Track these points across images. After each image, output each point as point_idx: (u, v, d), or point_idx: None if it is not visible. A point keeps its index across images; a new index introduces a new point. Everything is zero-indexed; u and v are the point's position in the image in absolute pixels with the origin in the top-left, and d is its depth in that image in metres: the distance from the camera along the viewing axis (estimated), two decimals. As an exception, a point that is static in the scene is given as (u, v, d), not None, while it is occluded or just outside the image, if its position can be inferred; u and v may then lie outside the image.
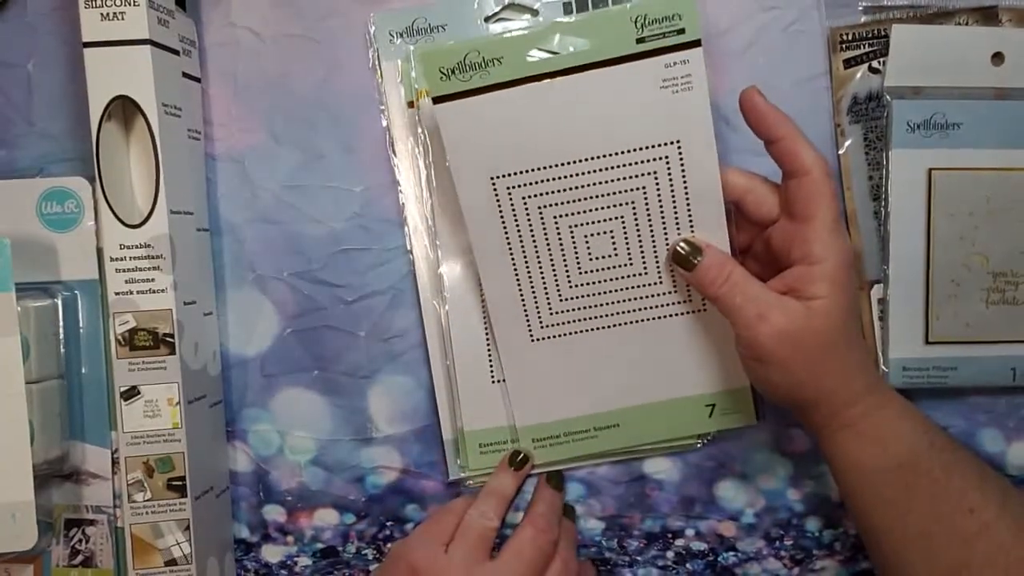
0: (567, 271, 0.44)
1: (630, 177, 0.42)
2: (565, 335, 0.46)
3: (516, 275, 0.45)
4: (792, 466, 0.49)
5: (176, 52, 0.45)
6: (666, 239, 0.43)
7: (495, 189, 0.43)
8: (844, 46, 0.46)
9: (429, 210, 0.46)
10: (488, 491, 0.46)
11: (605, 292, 0.45)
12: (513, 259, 0.44)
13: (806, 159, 0.39)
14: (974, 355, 0.46)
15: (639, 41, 0.41)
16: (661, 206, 0.43)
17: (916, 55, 0.45)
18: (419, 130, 0.46)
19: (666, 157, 0.42)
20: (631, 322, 0.45)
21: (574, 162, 0.42)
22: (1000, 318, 0.46)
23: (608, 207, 0.43)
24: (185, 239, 0.45)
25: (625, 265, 0.44)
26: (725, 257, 0.41)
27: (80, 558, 0.48)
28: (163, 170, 0.43)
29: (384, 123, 0.47)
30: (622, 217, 0.43)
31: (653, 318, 0.45)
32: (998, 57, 0.45)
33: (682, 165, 0.42)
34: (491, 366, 0.47)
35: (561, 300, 0.45)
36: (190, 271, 0.45)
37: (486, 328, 0.46)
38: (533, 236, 0.44)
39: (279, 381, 0.49)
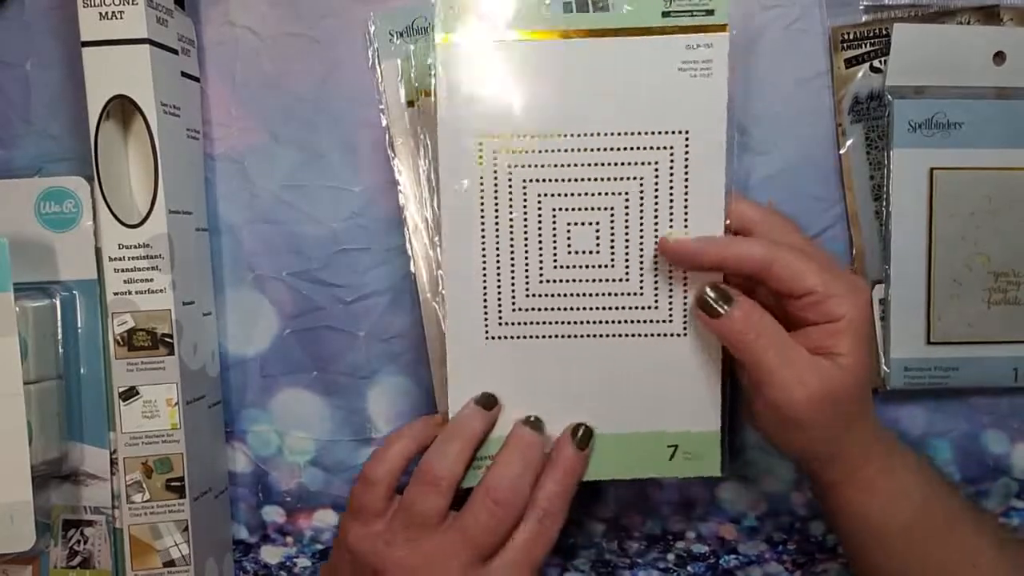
0: (541, 262, 0.40)
1: (629, 164, 0.40)
2: (525, 337, 0.41)
3: (483, 256, 0.40)
4: (795, 469, 0.49)
5: (175, 51, 0.45)
6: (655, 245, 0.40)
7: (480, 151, 0.40)
8: (845, 45, 0.46)
9: (429, 210, 0.46)
10: (450, 433, 0.41)
11: (578, 295, 0.41)
12: (483, 237, 0.40)
13: (807, 280, 0.37)
14: (976, 355, 0.46)
15: (664, 15, 0.39)
16: (656, 204, 0.40)
17: (917, 54, 0.45)
18: (419, 130, 0.46)
19: (671, 148, 0.39)
20: (601, 335, 0.41)
21: (573, 135, 0.40)
22: (1002, 318, 0.46)
23: (600, 194, 0.40)
24: (184, 239, 0.45)
25: (606, 266, 0.41)
26: (757, 308, 0.38)
27: (78, 559, 0.48)
28: (162, 170, 0.43)
29: (384, 123, 0.47)
30: (612, 209, 0.40)
31: (626, 334, 0.41)
32: (1000, 56, 0.44)
33: (686, 161, 0.40)
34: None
35: (528, 295, 0.41)
36: (189, 271, 0.45)
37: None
38: (511, 213, 0.40)
39: (278, 381, 0.49)
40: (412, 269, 0.47)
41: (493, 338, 0.41)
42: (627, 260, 0.40)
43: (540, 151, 0.40)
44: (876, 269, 0.46)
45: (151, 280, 0.43)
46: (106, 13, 0.42)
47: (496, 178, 0.40)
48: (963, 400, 0.48)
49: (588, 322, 0.41)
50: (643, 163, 0.40)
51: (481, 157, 0.40)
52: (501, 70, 0.39)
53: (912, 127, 0.45)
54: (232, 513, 0.50)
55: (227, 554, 0.49)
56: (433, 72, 0.40)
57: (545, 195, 0.40)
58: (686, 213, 0.40)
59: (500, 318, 0.41)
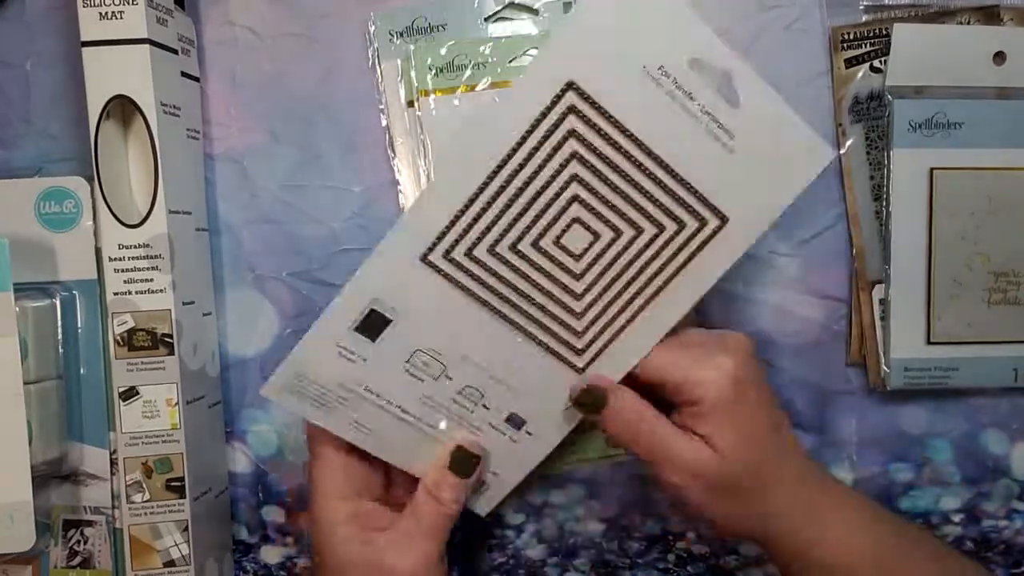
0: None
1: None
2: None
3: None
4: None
5: (175, 51, 0.45)
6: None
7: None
8: (845, 45, 0.46)
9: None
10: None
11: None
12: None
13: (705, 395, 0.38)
14: (976, 355, 0.46)
15: None
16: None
17: (917, 54, 0.45)
18: (419, 130, 0.46)
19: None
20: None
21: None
22: (1002, 318, 0.46)
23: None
24: (184, 239, 0.45)
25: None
26: (634, 402, 0.39)
27: (78, 559, 0.48)
28: (162, 170, 0.43)
29: (384, 123, 0.47)
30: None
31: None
32: (1000, 56, 0.44)
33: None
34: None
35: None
36: (189, 271, 0.45)
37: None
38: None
39: (278, 382, 0.49)
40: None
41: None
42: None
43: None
44: (876, 269, 0.46)
45: (151, 280, 0.43)
46: (106, 13, 0.42)
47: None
48: (963, 400, 0.48)
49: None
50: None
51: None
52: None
53: (912, 127, 0.45)
54: (232, 513, 0.50)
55: (227, 554, 0.49)
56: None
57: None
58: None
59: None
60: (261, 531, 0.50)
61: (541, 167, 0.37)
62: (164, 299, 0.43)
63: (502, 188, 0.37)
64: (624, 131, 0.36)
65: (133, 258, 0.43)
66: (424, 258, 0.38)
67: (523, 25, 0.46)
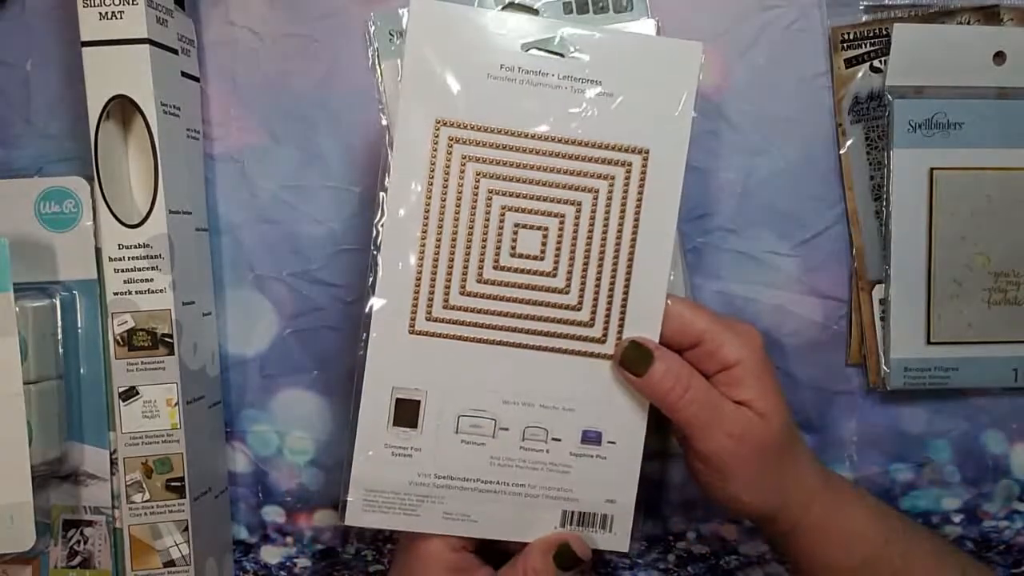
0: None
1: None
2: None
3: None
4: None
5: (175, 51, 0.45)
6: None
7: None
8: (845, 45, 0.46)
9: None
10: None
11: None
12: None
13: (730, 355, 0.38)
14: (976, 356, 0.46)
15: None
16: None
17: (917, 54, 0.45)
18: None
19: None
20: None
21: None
22: (1002, 318, 0.46)
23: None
24: (184, 239, 0.45)
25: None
26: (680, 363, 0.38)
27: (78, 559, 0.48)
28: (162, 170, 0.43)
29: (384, 123, 0.47)
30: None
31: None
32: (1000, 56, 0.45)
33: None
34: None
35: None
36: (189, 271, 0.45)
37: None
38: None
39: (278, 382, 0.49)
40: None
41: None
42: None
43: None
44: (876, 269, 0.46)
45: (151, 280, 0.43)
46: (106, 13, 0.42)
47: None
48: (963, 400, 0.48)
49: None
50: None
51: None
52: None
53: (912, 127, 0.45)
54: (232, 513, 0.50)
55: (227, 554, 0.49)
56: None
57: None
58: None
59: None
60: (261, 531, 0.50)
61: (459, 202, 0.38)
62: (164, 299, 0.43)
63: (439, 237, 0.39)
64: (508, 132, 0.38)
65: (133, 258, 0.43)
66: (412, 330, 0.39)
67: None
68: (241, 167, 0.48)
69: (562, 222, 0.39)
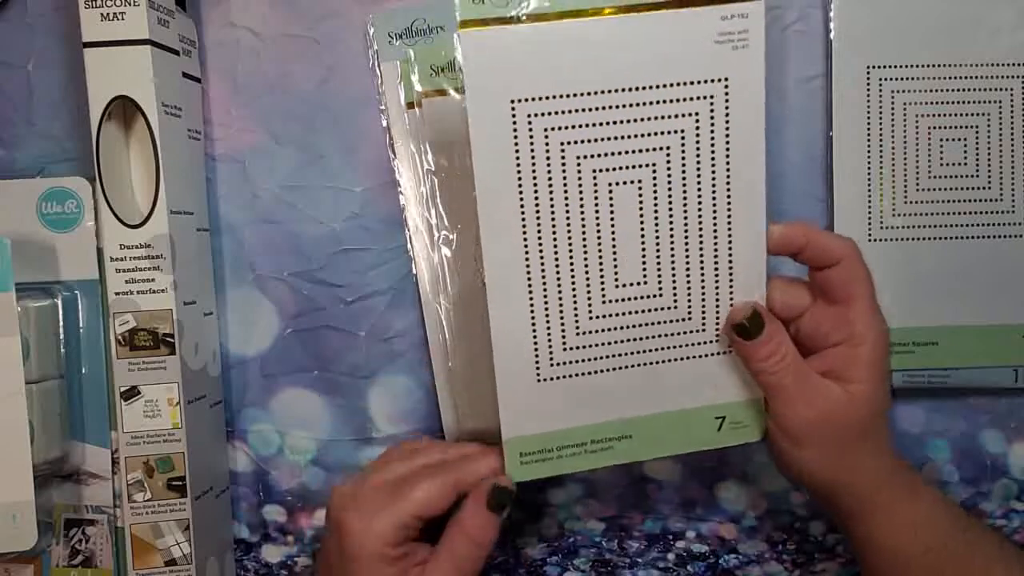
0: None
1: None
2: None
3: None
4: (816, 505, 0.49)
5: (176, 52, 0.45)
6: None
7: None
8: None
9: (431, 210, 0.46)
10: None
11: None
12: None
13: (835, 249, 0.38)
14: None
15: None
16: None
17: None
18: (419, 130, 0.46)
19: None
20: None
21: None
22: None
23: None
24: (185, 239, 0.45)
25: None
26: (782, 333, 0.39)
27: (80, 558, 0.48)
28: (163, 170, 0.43)
29: (384, 123, 0.47)
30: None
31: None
32: None
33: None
34: (537, 363, 0.39)
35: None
36: (190, 271, 0.45)
37: (532, 320, 0.39)
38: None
39: (279, 381, 0.49)
40: (413, 270, 0.48)
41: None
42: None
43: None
44: (875, 269, 0.47)
45: (152, 280, 0.43)
46: (108, 14, 0.42)
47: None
48: (962, 400, 0.48)
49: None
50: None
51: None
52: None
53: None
54: (233, 512, 0.50)
55: (228, 553, 0.50)
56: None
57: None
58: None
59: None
60: (262, 530, 0.50)
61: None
62: (165, 299, 0.43)
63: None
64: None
65: (134, 258, 0.43)
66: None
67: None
68: (242, 167, 0.48)
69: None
